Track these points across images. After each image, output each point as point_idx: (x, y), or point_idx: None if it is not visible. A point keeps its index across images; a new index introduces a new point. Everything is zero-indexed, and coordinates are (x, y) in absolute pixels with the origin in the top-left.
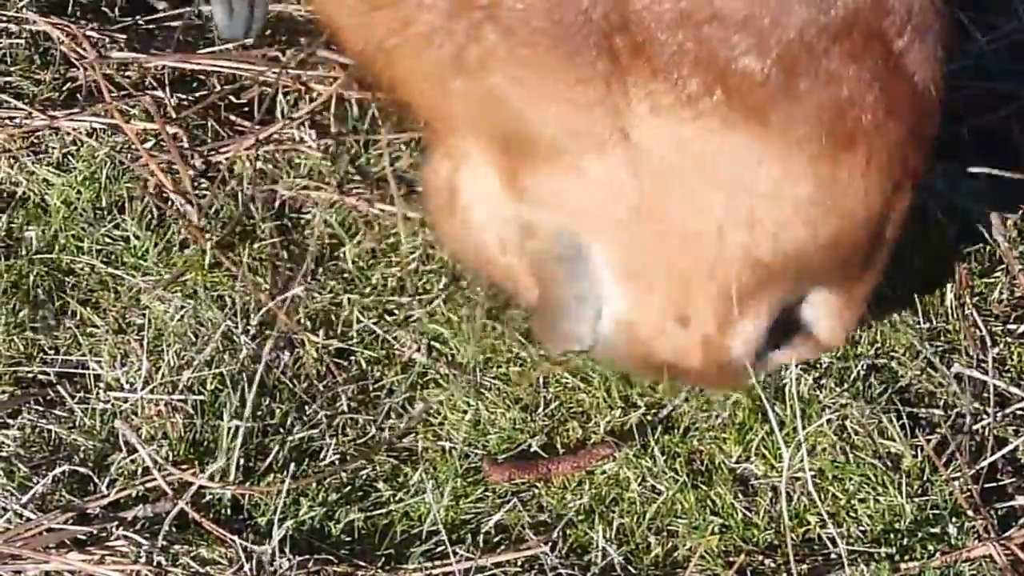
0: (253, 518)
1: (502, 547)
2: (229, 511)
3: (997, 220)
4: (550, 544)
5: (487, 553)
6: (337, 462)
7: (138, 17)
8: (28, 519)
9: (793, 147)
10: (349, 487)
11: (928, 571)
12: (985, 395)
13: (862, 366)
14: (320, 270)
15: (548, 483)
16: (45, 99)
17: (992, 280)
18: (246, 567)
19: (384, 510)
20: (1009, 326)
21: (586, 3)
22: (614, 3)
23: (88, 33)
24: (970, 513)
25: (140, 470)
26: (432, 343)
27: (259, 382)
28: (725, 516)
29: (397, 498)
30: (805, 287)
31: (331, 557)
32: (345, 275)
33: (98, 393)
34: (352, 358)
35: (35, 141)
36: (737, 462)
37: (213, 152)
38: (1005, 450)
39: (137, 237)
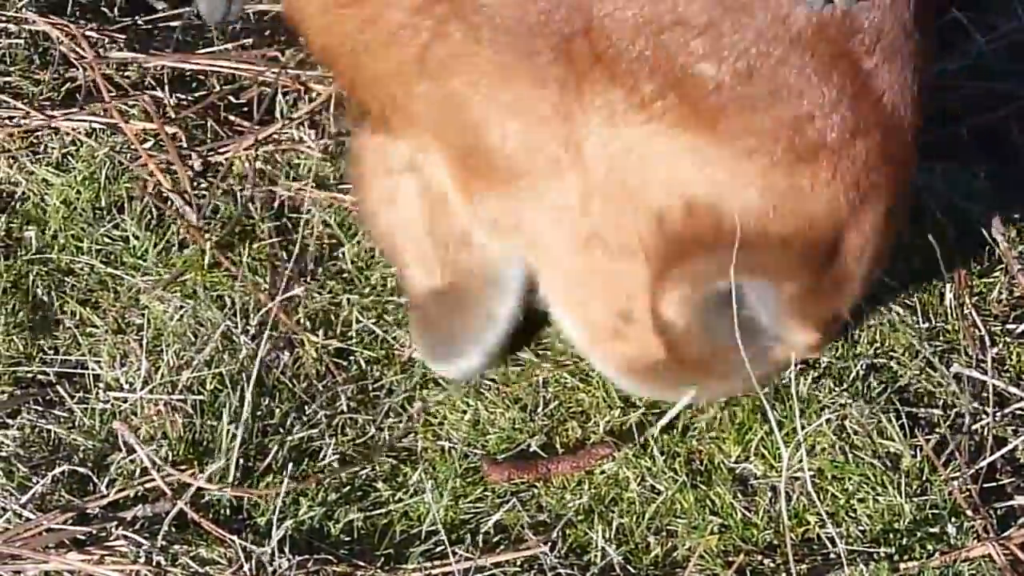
0: (252, 518)
1: (501, 547)
2: (228, 511)
3: (996, 220)
4: (549, 544)
5: (486, 553)
6: (337, 462)
7: (137, 17)
8: (27, 519)
9: (742, 155)
10: (348, 487)
11: (927, 571)
12: (984, 395)
13: (861, 366)
14: (319, 270)
15: (547, 483)
16: (44, 99)
17: (991, 280)
18: (245, 567)
19: (383, 510)
20: (1008, 326)
21: (550, 4)
22: (577, 7)
23: (87, 33)
24: (969, 513)
25: (139, 470)
26: None
27: (258, 382)
28: (724, 516)
29: (396, 498)
30: (753, 272)
31: (330, 557)
32: (344, 275)
33: (97, 393)
34: (351, 358)
35: (34, 141)
36: (736, 462)
37: (212, 152)
38: (1004, 450)
39: (136, 237)
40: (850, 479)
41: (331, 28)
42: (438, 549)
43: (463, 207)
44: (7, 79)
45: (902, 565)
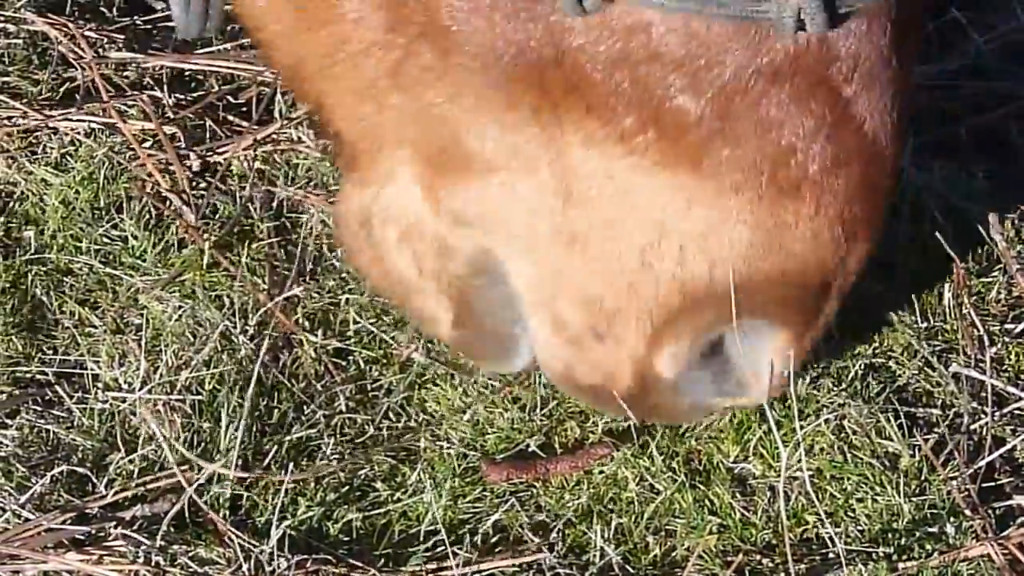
0: (251, 518)
1: (500, 547)
2: (227, 511)
3: (995, 220)
4: (548, 545)
5: (486, 557)
6: (335, 462)
7: (136, 17)
8: (26, 519)
9: (727, 191)
10: (347, 487)
11: (926, 570)
12: (983, 395)
13: (860, 366)
14: (318, 270)
15: (546, 483)
16: (43, 99)
17: (990, 280)
18: (244, 567)
19: (382, 510)
20: (1007, 326)
21: (521, 34)
22: (551, 37)
23: (86, 33)
24: (968, 512)
25: (138, 470)
26: (430, 343)
27: (257, 382)
28: (723, 516)
29: (395, 498)
30: (742, 314)
31: (329, 557)
32: (343, 275)
33: (96, 393)
34: (350, 358)
35: (33, 141)
36: (735, 462)
37: (211, 152)
38: (1003, 449)
39: (135, 237)
40: (849, 479)
41: (298, 49)
42: (437, 549)
43: (432, 217)
44: (5, 79)
45: (901, 565)
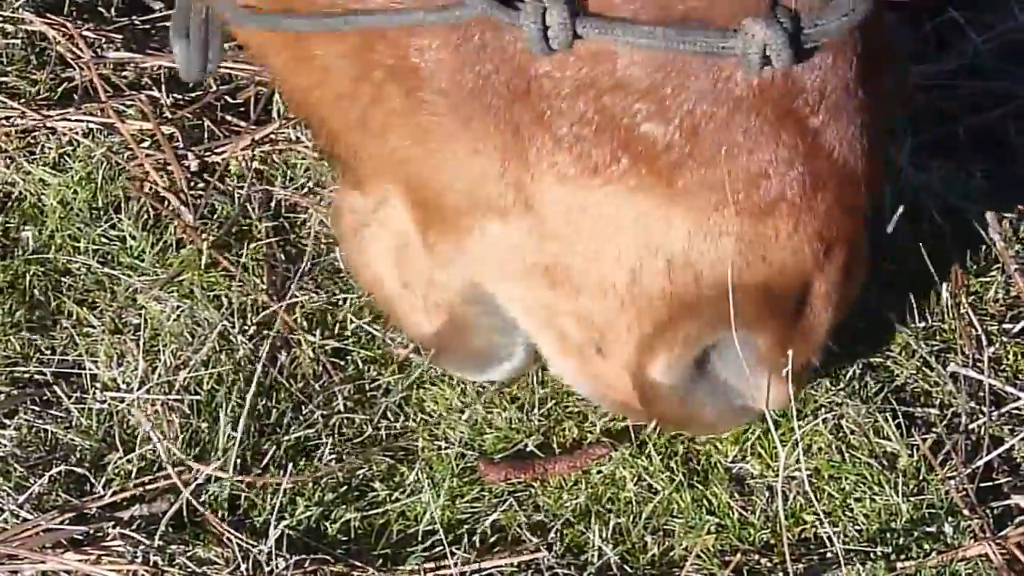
0: (250, 518)
1: (498, 547)
2: (226, 511)
3: (993, 219)
4: (546, 544)
5: (484, 556)
6: (334, 462)
7: (134, 17)
8: (25, 519)
9: (708, 208)
10: (345, 487)
11: (924, 570)
12: (981, 394)
13: (858, 365)
14: (316, 270)
15: (544, 483)
16: (41, 99)
17: (988, 279)
18: (242, 567)
19: (380, 510)
20: (1005, 325)
21: (489, 67)
22: (517, 70)
23: (84, 33)
24: (966, 512)
25: (136, 470)
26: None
27: (256, 382)
28: (721, 515)
29: (393, 498)
30: (731, 325)
31: (327, 557)
32: (341, 275)
33: (94, 393)
34: (348, 358)
35: (31, 141)
36: (733, 462)
37: (209, 152)
38: (1001, 449)
39: (133, 237)
40: (847, 478)
41: (292, 82)
42: (436, 549)
43: (422, 251)
44: (3, 79)
45: (899, 564)
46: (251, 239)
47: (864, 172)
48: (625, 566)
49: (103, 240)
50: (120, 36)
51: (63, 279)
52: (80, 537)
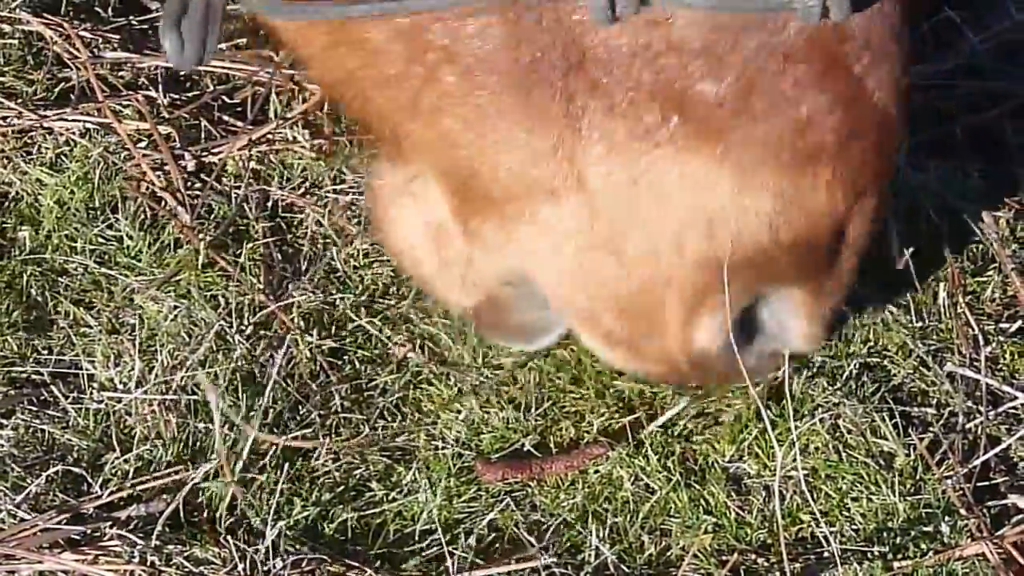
0: (247, 518)
1: (495, 547)
2: (223, 511)
3: (990, 219)
4: (543, 545)
5: (481, 557)
6: (331, 462)
7: (131, 17)
8: (22, 519)
9: (750, 165)
10: (342, 487)
11: (921, 569)
12: (978, 394)
13: (855, 365)
14: (313, 270)
15: (541, 483)
16: (38, 99)
17: (985, 279)
18: (239, 567)
19: (377, 509)
20: (1002, 325)
21: (545, 40)
22: (573, 40)
23: (81, 33)
24: (963, 512)
25: (133, 470)
26: (426, 343)
27: (252, 382)
28: (718, 515)
29: (390, 498)
30: (767, 284)
31: (325, 557)
32: (338, 275)
33: (91, 393)
34: (345, 358)
35: (28, 141)
36: (730, 461)
37: (206, 152)
38: (998, 448)
39: (130, 237)
40: (844, 478)
41: (334, 68)
42: (433, 549)
43: (460, 236)
44: (1, 79)
45: (896, 564)
46: (248, 239)
47: (899, 115)
48: (622, 565)
49: (100, 240)
50: (117, 36)
51: (60, 279)
52: (77, 537)
